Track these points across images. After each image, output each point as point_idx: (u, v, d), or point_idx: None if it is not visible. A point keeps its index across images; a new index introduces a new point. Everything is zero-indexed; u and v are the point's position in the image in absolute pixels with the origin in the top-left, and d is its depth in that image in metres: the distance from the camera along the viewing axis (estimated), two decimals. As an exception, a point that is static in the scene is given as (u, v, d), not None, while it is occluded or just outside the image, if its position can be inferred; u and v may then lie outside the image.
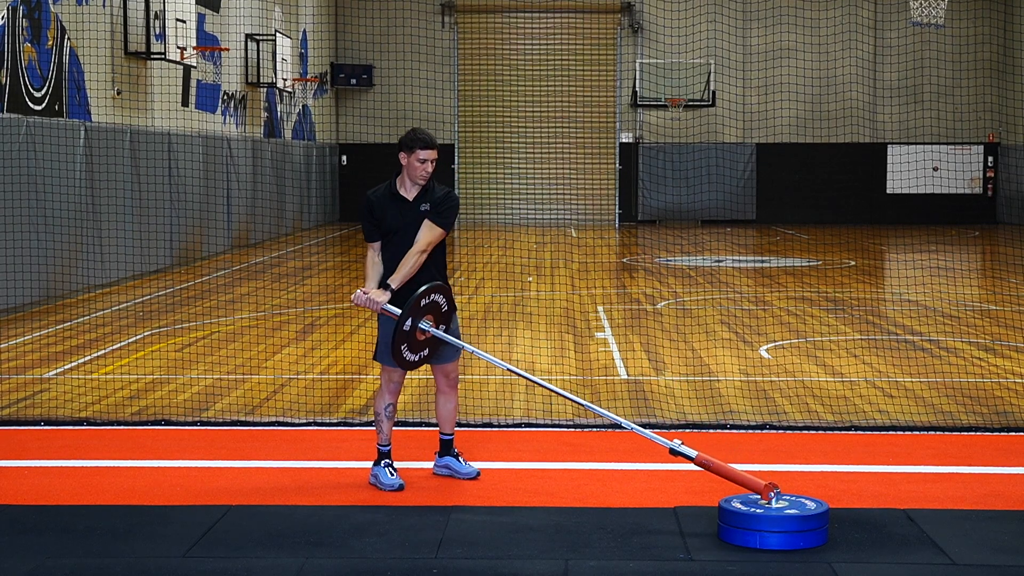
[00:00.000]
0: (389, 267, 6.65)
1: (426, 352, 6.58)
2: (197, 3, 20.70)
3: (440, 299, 6.52)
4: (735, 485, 6.40)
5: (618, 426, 8.26)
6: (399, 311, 6.41)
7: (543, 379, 10.24)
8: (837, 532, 5.91)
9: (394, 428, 7.06)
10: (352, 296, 6.61)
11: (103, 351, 11.62)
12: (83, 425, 8.34)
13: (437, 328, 6.53)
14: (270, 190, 25.43)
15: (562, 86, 32.53)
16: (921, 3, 24.78)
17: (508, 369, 6.66)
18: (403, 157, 6.66)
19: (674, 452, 6.11)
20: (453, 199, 6.72)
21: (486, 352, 6.77)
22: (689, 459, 6.08)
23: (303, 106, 29.64)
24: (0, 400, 9.29)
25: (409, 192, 6.68)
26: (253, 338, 12.46)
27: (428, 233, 6.60)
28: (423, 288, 6.42)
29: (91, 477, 7.06)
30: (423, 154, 6.59)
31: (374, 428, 7.67)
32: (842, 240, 27.15)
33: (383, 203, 6.67)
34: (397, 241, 6.64)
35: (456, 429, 7.13)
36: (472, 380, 9.84)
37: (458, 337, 6.81)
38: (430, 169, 6.64)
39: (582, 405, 6.59)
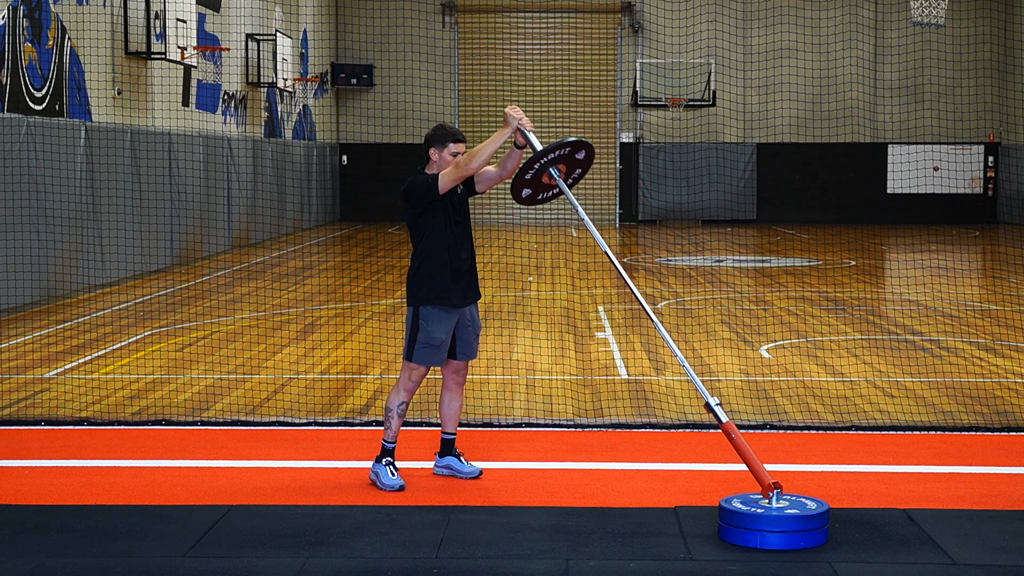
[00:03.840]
0: (451, 253, 6.64)
1: (540, 196, 6.63)
2: (198, 3, 20.70)
3: (581, 155, 6.54)
4: (734, 484, 6.39)
5: (623, 425, 8.28)
6: (539, 145, 6.47)
7: (544, 378, 10.26)
8: (837, 532, 5.91)
9: (394, 428, 7.05)
10: (511, 107, 6.61)
11: (103, 351, 11.62)
12: (83, 425, 8.34)
13: (565, 181, 6.58)
14: (270, 190, 25.43)
15: (562, 86, 32.52)
16: (921, 3, 24.77)
17: (607, 253, 6.60)
18: (434, 153, 6.70)
19: (709, 408, 6.08)
20: None
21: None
22: (719, 421, 6.03)
23: (303, 106, 29.65)
24: (0, 400, 9.29)
25: None
26: (253, 338, 12.46)
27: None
28: (570, 139, 6.48)
29: (91, 477, 7.06)
30: (455, 148, 6.68)
31: (380, 427, 7.66)
32: (842, 240, 27.15)
33: None
34: (452, 227, 6.68)
35: (457, 429, 7.13)
36: (472, 380, 9.83)
37: (478, 332, 6.83)
38: None
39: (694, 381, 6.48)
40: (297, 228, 28.24)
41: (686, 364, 6.26)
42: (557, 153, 6.45)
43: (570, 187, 6.60)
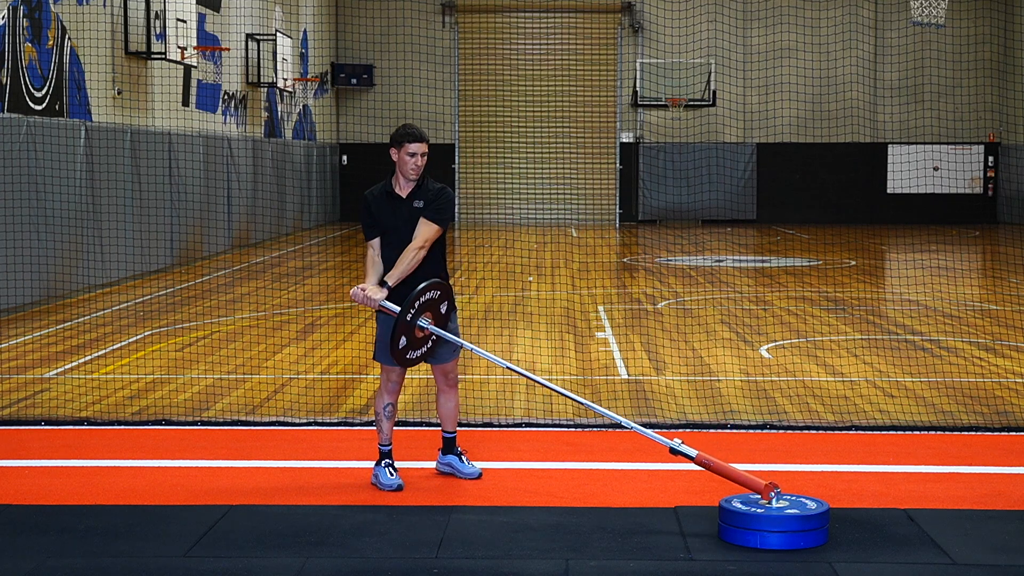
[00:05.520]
0: (388, 265, 6.66)
1: (425, 349, 6.58)
2: (198, 3, 20.70)
3: (437, 295, 6.50)
4: (736, 485, 6.40)
5: (619, 425, 8.28)
6: (397, 308, 6.40)
7: (544, 378, 10.25)
8: (837, 532, 5.91)
9: (395, 428, 7.06)
10: (351, 292, 6.62)
11: (103, 351, 11.62)
12: (83, 425, 8.34)
13: (436, 326, 6.53)
14: (270, 190, 25.43)
15: (563, 86, 32.53)
16: (921, 3, 24.77)
17: (508, 367, 6.64)
18: (393, 153, 6.70)
19: (674, 451, 6.11)
20: (447, 195, 6.75)
21: (487, 351, 6.75)
22: (689, 458, 6.08)
23: (303, 106, 29.65)
24: (0, 400, 9.29)
25: (403, 189, 6.71)
26: (253, 338, 12.46)
27: (425, 230, 6.60)
28: (421, 286, 6.40)
29: (91, 477, 7.06)
30: (412, 147, 6.63)
31: (375, 428, 7.66)
32: (842, 240, 27.14)
33: (379, 202, 6.70)
34: (394, 239, 6.67)
35: (457, 429, 7.13)
36: (473, 380, 9.84)
37: (457, 336, 6.83)
38: (420, 163, 6.65)
39: (582, 404, 6.58)
40: (297, 228, 28.24)
41: (633, 425, 6.38)
42: (415, 309, 6.34)
43: (443, 325, 6.54)
